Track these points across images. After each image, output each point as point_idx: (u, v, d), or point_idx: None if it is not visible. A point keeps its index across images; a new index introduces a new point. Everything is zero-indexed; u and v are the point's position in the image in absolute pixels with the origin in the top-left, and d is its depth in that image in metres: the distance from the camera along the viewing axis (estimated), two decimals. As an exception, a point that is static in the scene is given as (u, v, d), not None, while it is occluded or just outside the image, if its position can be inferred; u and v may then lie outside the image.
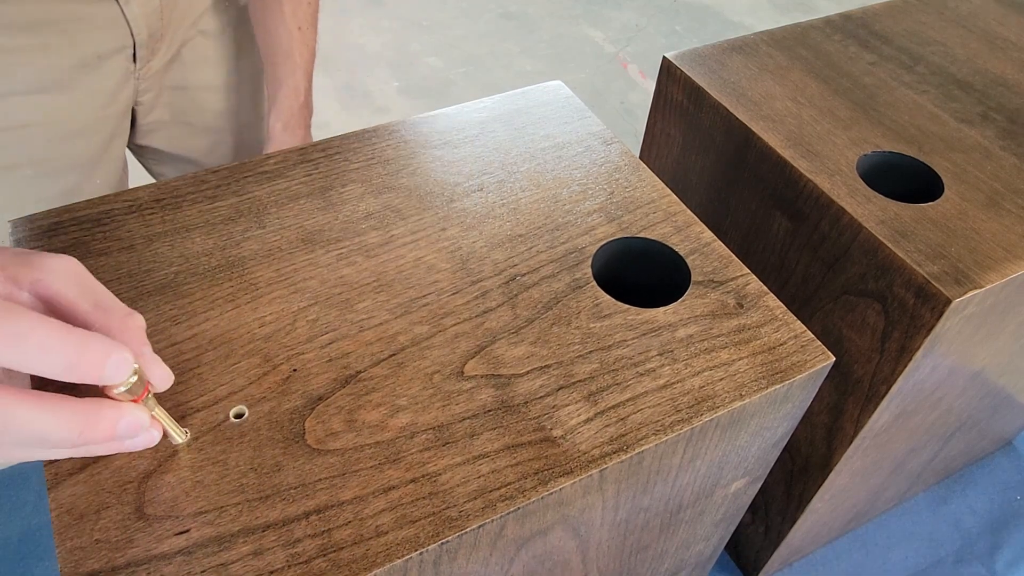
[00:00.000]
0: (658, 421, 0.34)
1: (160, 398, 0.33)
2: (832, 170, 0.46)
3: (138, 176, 0.75)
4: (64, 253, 0.39)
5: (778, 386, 0.36)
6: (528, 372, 0.35)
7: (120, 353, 0.27)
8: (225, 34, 0.76)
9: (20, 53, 0.61)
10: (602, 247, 0.41)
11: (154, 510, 0.30)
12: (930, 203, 0.45)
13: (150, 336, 0.36)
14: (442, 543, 0.29)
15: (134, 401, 0.28)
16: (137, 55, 0.68)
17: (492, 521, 0.30)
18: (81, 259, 0.39)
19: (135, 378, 0.28)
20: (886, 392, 0.44)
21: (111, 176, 0.73)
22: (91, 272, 0.38)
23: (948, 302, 0.39)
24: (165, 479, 0.31)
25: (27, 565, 0.63)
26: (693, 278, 0.40)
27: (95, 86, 0.66)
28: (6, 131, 0.64)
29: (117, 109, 0.70)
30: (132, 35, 0.66)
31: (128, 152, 0.77)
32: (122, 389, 0.28)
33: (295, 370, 0.35)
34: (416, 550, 0.29)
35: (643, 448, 0.33)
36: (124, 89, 0.70)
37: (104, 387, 0.28)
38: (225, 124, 0.80)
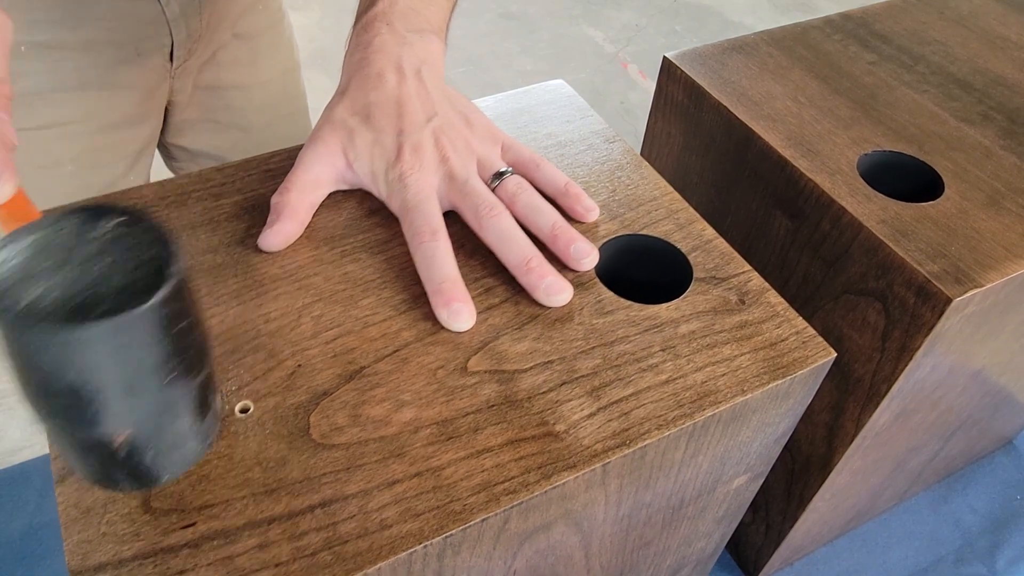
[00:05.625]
0: (660, 416, 0.34)
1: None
2: (833, 169, 0.47)
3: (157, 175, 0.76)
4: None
5: (780, 381, 0.36)
6: (531, 368, 0.35)
7: None
8: (258, 36, 0.77)
9: (62, 50, 0.61)
10: (605, 244, 0.42)
11: (160, 503, 0.30)
12: (930, 202, 0.45)
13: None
14: (446, 536, 0.30)
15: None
16: (174, 54, 0.68)
17: (496, 515, 0.30)
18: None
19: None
20: (887, 391, 0.45)
21: (144, 171, 0.74)
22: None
23: (949, 301, 0.40)
24: (171, 473, 0.31)
25: (29, 564, 0.63)
26: (695, 275, 0.40)
27: (133, 82, 0.67)
28: (49, 129, 0.64)
29: (153, 106, 0.71)
30: (171, 34, 0.66)
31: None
32: None
33: (300, 365, 0.35)
34: (420, 543, 0.29)
35: (646, 443, 0.33)
36: (161, 86, 0.70)
37: None
38: (251, 122, 0.81)
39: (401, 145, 0.41)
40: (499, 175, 0.42)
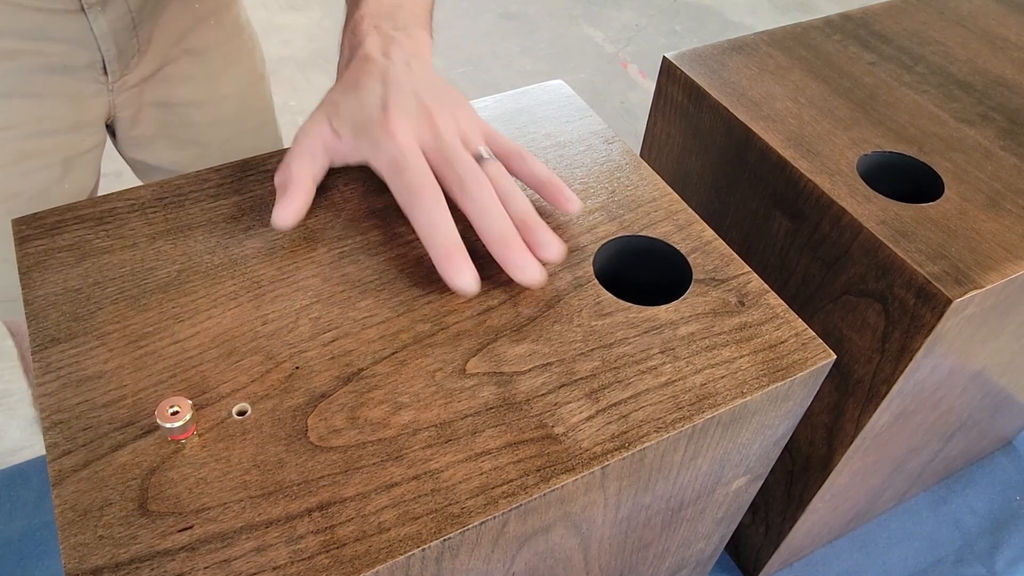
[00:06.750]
0: (660, 418, 0.34)
1: (164, 393, 0.33)
2: (832, 170, 0.46)
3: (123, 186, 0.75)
4: (67, 251, 0.39)
5: (779, 384, 0.36)
6: (530, 370, 0.35)
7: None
8: (212, 51, 0.75)
9: None
10: (603, 245, 0.42)
11: (157, 506, 0.30)
12: (930, 203, 0.45)
13: (152, 335, 0.36)
14: (444, 540, 0.29)
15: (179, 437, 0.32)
16: (108, 69, 0.67)
17: (494, 518, 0.30)
18: (84, 257, 0.39)
19: (188, 416, 0.31)
20: (886, 392, 0.45)
21: (82, 181, 0.73)
22: (94, 270, 0.38)
23: (948, 302, 0.40)
24: (168, 476, 0.31)
25: (28, 564, 0.63)
26: (694, 276, 0.40)
27: (62, 93, 0.66)
28: None
29: (88, 117, 0.70)
30: (100, 51, 0.65)
31: (111, 165, 0.77)
32: (177, 424, 0.31)
33: (297, 368, 0.35)
34: (418, 547, 0.29)
35: (645, 445, 0.33)
36: (96, 99, 0.69)
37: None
38: (211, 137, 0.80)
39: (387, 105, 0.40)
40: (480, 159, 0.41)
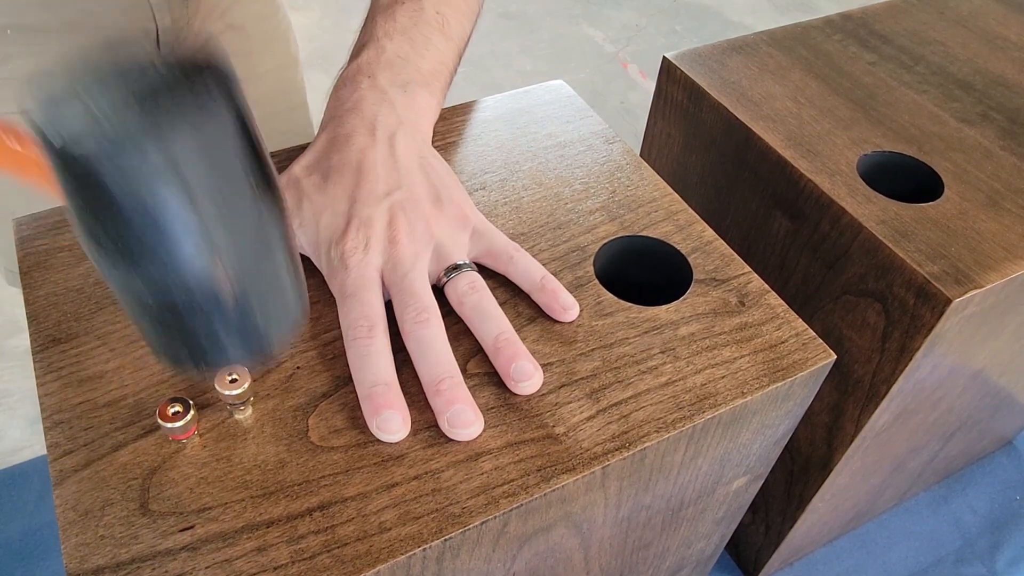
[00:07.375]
0: (660, 418, 0.34)
1: (165, 393, 0.33)
2: (832, 170, 0.46)
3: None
4: (68, 250, 0.39)
5: (779, 384, 0.36)
6: (530, 370, 0.35)
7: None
8: (252, 27, 0.77)
9: (47, 32, 0.62)
10: (604, 245, 0.42)
11: (159, 506, 0.30)
12: (930, 203, 0.45)
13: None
14: (445, 539, 0.30)
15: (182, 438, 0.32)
16: (161, 41, 0.68)
17: (495, 518, 0.30)
18: (85, 257, 0.39)
19: (189, 416, 0.32)
20: (886, 392, 0.45)
21: None
22: (95, 270, 0.38)
23: (948, 302, 0.40)
24: (169, 476, 0.31)
25: (28, 564, 0.63)
26: (695, 276, 0.40)
27: None
28: None
29: None
30: (155, 20, 0.66)
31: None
32: (178, 424, 0.31)
33: (298, 368, 0.35)
34: (419, 546, 0.29)
35: (645, 445, 0.33)
36: None
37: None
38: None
39: (351, 218, 0.37)
40: (455, 268, 0.38)
